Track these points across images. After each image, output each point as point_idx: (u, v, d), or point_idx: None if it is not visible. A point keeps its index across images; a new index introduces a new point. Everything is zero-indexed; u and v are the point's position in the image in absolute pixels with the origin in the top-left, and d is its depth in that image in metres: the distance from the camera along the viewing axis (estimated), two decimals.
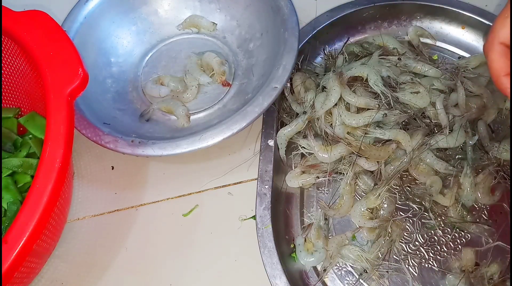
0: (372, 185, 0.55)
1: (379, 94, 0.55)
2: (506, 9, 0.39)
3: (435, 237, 0.53)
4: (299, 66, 0.63)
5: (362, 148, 0.53)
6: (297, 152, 0.58)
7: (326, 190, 0.57)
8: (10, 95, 0.59)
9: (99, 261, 0.55)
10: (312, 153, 0.57)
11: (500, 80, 0.38)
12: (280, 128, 0.58)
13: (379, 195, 0.52)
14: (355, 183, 0.55)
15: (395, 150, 0.55)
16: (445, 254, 0.52)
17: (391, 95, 0.54)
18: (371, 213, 0.53)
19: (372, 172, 0.56)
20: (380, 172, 0.55)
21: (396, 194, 0.55)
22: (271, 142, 0.57)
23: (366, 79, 0.56)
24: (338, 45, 0.68)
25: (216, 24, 0.70)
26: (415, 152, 0.54)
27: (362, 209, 0.53)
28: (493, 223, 0.53)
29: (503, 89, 0.39)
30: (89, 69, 0.46)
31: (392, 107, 0.55)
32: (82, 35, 0.63)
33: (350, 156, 0.55)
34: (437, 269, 0.51)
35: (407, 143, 0.54)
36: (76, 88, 0.44)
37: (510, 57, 0.39)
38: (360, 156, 0.54)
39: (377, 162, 0.54)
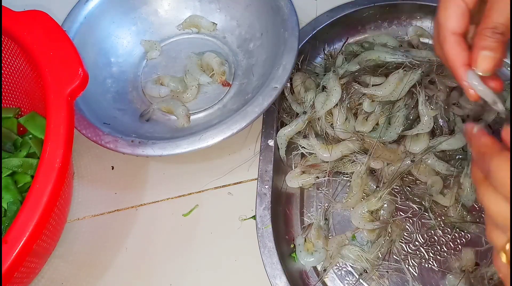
0: (374, 187, 0.54)
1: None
2: (444, 1, 0.39)
3: (435, 237, 0.53)
4: (299, 66, 0.63)
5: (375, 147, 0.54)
6: (297, 152, 0.58)
7: (326, 190, 0.57)
8: (10, 95, 0.59)
9: (99, 261, 0.55)
10: (312, 153, 0.57)
11: (458, 71, 0.38)
12: (280, 128, 0.58)
13: (381, 197, 0.52)
14: (367, 176, 0.55)
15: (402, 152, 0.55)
16: (445, 254, 0.52)
17: (411, 54, 0.58)
18: (371, 215, 0.53)
19: (374, 173, 0.56)
20: (382, 173, 0.55)
21: (397, 196, 0.54)
22: (271, 142, 0.57)
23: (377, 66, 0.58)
24: (338, 45, 0.68)
25: (216, 24, 0.70)
26: (418, 155, 0.54)
27: (363, 211, 0.53)
28: None
29: (459, 80, 0.38)
30: (89, 69, 0.46)
31: (418, 65, 0.56)
32: (82, 35, 0.63)
33: (355, 155, 0.55)
34: (437, 269, 0.51)
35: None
36: (76, 88, 0.44)
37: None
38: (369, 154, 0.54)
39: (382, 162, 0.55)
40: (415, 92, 0.56)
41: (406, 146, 0.54)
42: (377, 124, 0.57)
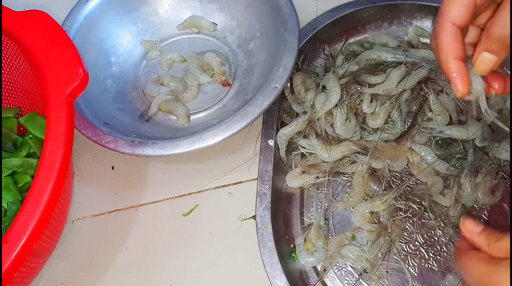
0: (376, 188, 0.54)
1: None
2: None
3: (435, 237, 0.53)
4: (299, 66, 0.63)
5: (379, 147, 0.54)
6: (297, 152, 0.58)
7: (326, 190, 0.57)
8: (10, 95, 0.59)
9: (99, 261, 0.55)
10: (312, 153, 0.57)
11: (448, 63, 0.35)
12: (280, 128, 0.58)
13: (386, 201, 0.52)
14: (368, 176, 0.55)
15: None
16: (445, 254, 0.52)
17: (410, 54, 0.59)
18: (371, 215, 0.53)
19: (374, 174, 0.55)
20: (383, 174, 0.55)
21: (400, 201, 0.54)
22: (271, 142, 0.57)
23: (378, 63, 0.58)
24: (338, 45, 0.68)
25: (216, 24, 0.70)
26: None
27: (366, 210, 0.53)
28: (493, 223, 0.53)
29: (448, 73, 0.35)
30: (89, 69, 0.46)
31: (417, 64, 0.57)
32: (82, 35, 0.63)
33: (355, 155, 0.55)
34: (437, 269, 0.51)
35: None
36: (76, 88, 0.44)
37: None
38: (369, 154, 0.54)
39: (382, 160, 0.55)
40: (425, 90, 0.56)
41: (411, 141, 0.55)
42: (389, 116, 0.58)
